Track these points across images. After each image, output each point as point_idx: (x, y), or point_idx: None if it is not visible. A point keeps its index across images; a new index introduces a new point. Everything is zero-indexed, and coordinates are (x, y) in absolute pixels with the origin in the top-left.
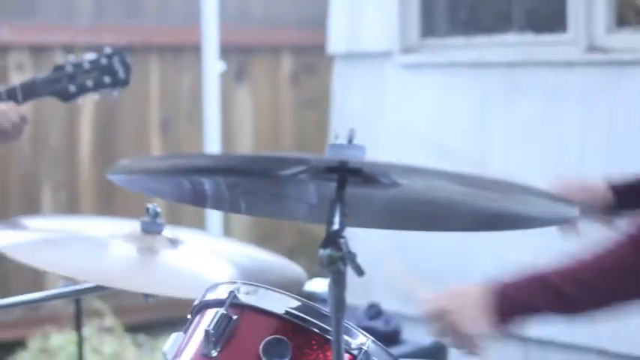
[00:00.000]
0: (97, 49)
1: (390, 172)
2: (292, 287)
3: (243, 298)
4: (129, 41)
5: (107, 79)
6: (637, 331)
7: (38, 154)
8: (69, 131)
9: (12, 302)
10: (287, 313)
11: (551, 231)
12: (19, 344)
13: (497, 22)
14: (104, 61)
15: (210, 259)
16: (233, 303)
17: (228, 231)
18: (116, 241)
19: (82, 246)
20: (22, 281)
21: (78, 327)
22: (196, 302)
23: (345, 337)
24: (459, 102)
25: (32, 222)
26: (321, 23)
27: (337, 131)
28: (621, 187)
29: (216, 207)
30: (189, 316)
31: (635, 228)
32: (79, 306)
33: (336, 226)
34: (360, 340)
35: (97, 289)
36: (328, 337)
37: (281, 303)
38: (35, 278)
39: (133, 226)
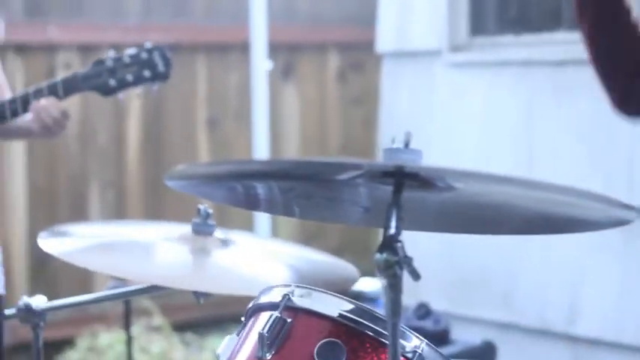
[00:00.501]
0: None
1: (446, 177)
2: (344, 285)
3: (297, 301)
4: (176, 40)
5: (147, 73)
6: None
7: (86, 153)
8: (116, 130)
9: (65, 304)
10: (341, 315)
11: (602, 233)
12: (67, 343)
13: (547, 20)
14: (144, 55)
15: (262, 259)
16: (287, 306)
17: (275, 232)
18: (168, 242)
19: (135, 248)
20: (71, 282)
21: (127, 326)
22: (250, 305)
23: (400, 341)
24: (507, 101)
25: (85, 228)
26: (367, 21)
27: (391, 133)
28: None
29: (269, 211)
30: (242, 319)
31: None
32: (128, 306)
33: (392, 231)
34: (415, 342)
35: (150, 290)
36: (382, 339)
37: (335, 306)
38: (83, 279)
39: (184, 228)
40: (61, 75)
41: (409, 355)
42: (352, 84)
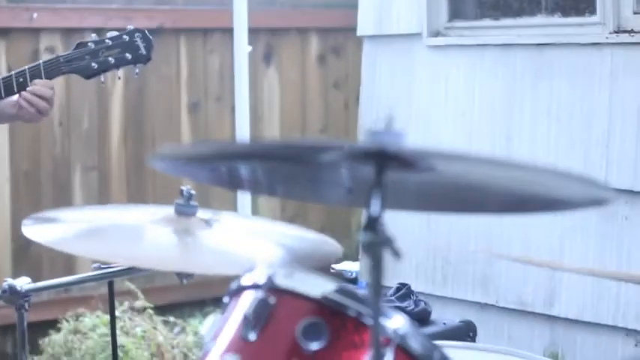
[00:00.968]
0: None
1: (428, 158)
2: (329, 260)
3: (281, 281)
4: (159, 24)
5: (129, 56)
6: None
7: (69, 137)
8: (99, 114)
9: (49, 285)
10: (323, 296)
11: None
12: (50, 325)
13: (526, 5)
14: (126, 37)
15: (246, 238)
16: (270, 286)
17: (255, 213)
18: (152, 224)
19: (118, 232)
20: (54, 266)
21: (111, 309)
22: (233, 285)
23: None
24: (486, 83)
25: (68, 214)
26: (347, 5)
27: (370, 115)
28: None
29: (252, 191)
30: (225, 299)
31: None
32: (111, 288)
33: (375, 212)
34: (397, 321)
35: (132, 271)
36: (364, 319)
37: (318, 286)
38: (67, 263)
39: (167, 210)
40: (45, 58)
41: (391, 335)
42: (332, 68)
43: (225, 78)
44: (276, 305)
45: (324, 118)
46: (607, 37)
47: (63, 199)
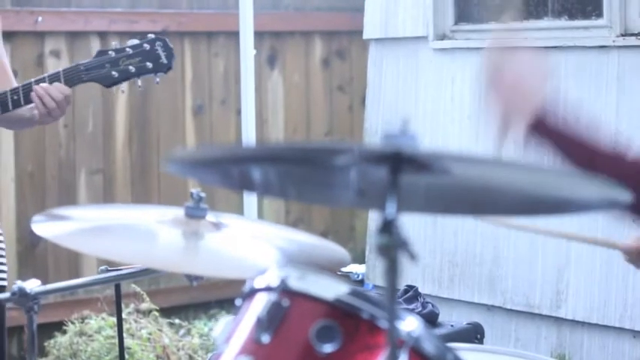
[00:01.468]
0: (133, 35)
1: (444, 160)
2: (336, 267)
3: (294, 284)
4: (163, 28)
5: (149, 65)
6: None
7: (74, 140)
8: (104, 117)
9: (59, 287)
10: (337, 298)
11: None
12: (56, 327)
13: (533, 8)
14: (147, 46)
15: (254, 242)
16: (284, 289)
17: (260, 217)
18: (161, 226)
19: (128, 232)
20: (59, 267)
21: (118, 311)
22: (246, 288)
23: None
24: None
25: (78, 212)
26: (351, 8)
27: (376, 118)
28: None
29: (263, 194)
30: (237, 302)
31: None
32: (118, 290)
33: (390, 215)
34: (410, 324)
35: (143, 273)
36: (378, 322)
37: (331, 289)
38: (72, 263)
39: (176, 211)
40: (49, 62)
41: (405, 337)
42: (336, 71)
43: (230, 81)
44: (289, 308)
45: (329, 121)
46: (614, 40)
47: (68, 201)
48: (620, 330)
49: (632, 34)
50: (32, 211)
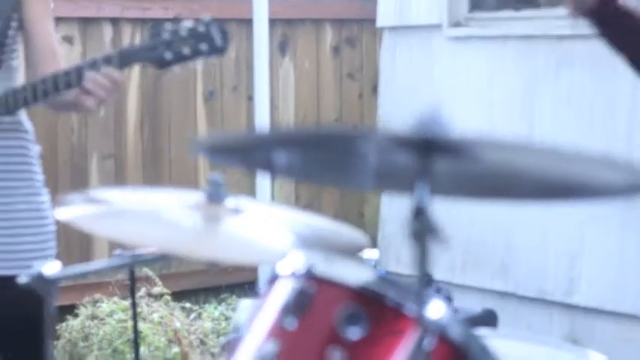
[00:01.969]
0: (145, 22)
1: (476, 146)
2: (355, 251)
3: (319, 270)
4: (176, 15)
5: (204, 47)
6: None
7: (86, 125)
8: (116, 102)
9: (76, 272)
10: (363, 284)
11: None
12: (68, 310)
13: None
14: (202, 28)
15: (275, 226)
16: (309, 275)
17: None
18: (181, 210)
19: (146, 216)
20: (70, 249)
21: (132, 295)
22: (271, 273)
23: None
24: (508, 74)
25: (98, 194)
26: None
27: (390, 106)
28: None
29: (287, 177)
30: (261, 287)
31: None
32: (132, 275)
33: (422, 201)
34: (437, 311)
35: (160, 258)
36: (403, 308)
37: (357, 275)
38: (83, 244)
39: (196, 195)
40: (62, 48)
41: (432, 324)
42: (347, 58)
43: (241, 68)
44: (315, 294)
45: (339, 108)
46: None
47: (80, 186)
48: (634, 317)
49: None
50: None
